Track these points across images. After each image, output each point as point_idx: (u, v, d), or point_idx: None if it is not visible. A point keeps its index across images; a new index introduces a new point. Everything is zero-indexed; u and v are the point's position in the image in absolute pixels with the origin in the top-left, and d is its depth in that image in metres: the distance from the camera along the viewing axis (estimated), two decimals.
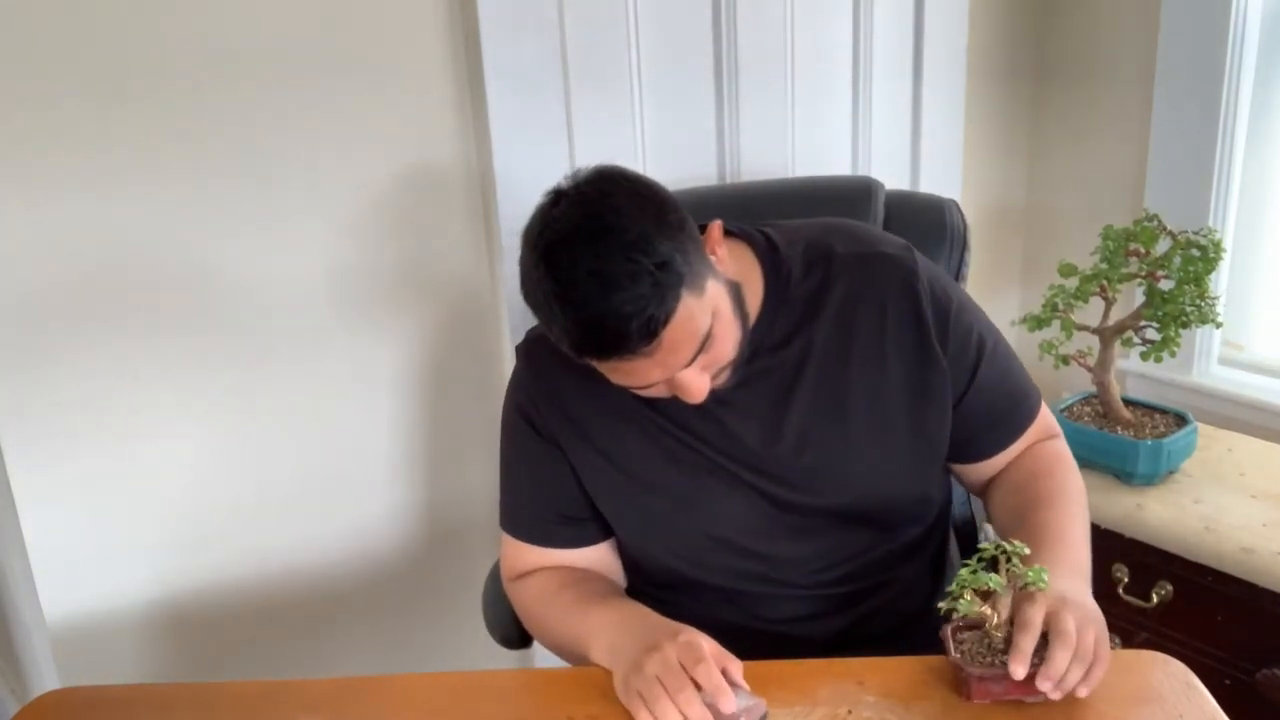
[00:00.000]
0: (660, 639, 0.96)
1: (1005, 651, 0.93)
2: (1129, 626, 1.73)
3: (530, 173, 1.53)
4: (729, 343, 1.04)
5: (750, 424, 1.11)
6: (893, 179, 1.59)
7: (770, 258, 1.15)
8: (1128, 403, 1.82)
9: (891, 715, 0.95)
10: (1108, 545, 1.71)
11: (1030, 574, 0.93)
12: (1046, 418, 1.23)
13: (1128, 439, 1.72)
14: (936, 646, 0.99)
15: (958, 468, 1.23)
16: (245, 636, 1.50)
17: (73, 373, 1.30)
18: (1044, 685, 0.90)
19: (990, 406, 1.17)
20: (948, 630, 0.97)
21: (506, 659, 1.44)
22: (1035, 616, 0.92)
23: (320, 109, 1.39)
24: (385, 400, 1.54)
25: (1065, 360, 1.72)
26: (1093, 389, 1.82)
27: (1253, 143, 1.90)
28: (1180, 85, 1.91)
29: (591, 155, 1.58)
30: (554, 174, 1.57)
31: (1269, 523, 1.61)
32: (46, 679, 1.40)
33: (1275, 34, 1.84)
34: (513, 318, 1.57)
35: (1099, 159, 2.09)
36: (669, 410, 1.12)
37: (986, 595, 0.95)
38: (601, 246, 0.95)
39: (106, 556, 1.37)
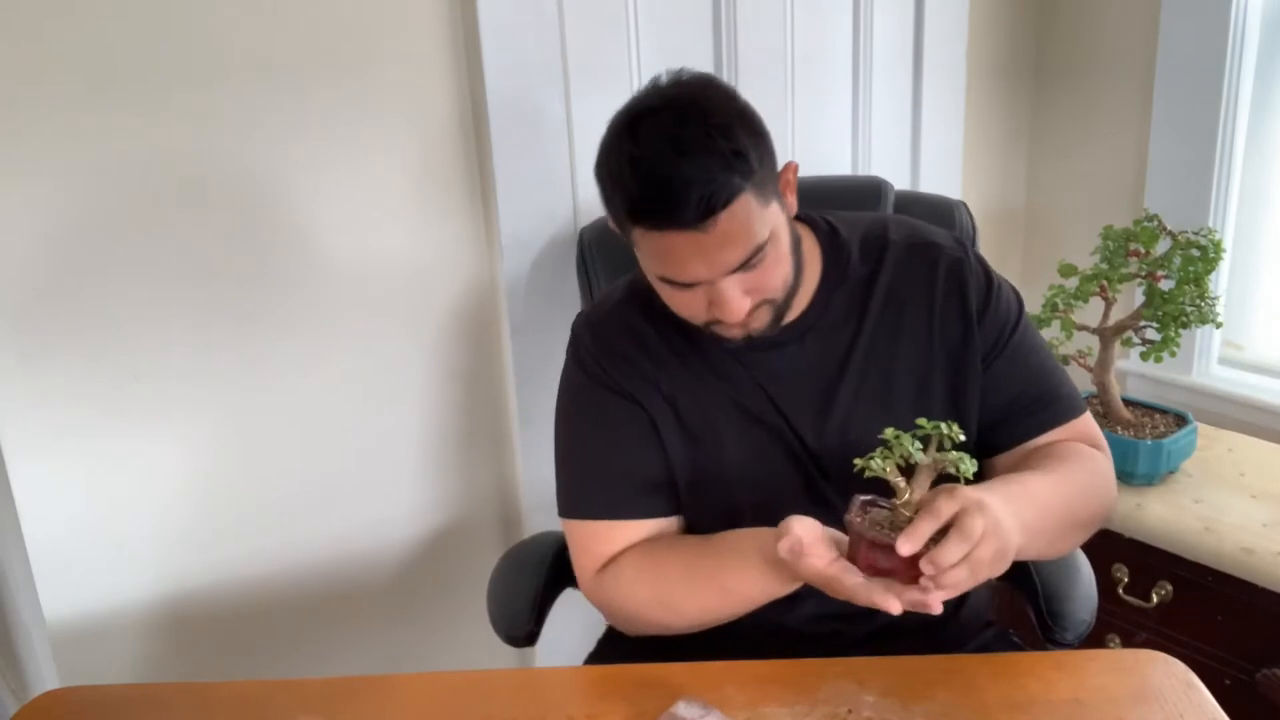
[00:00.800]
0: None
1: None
2: (1129, 626, 1.73)
3: (531, 173, 1.53)
4: (777, 276, 1.05)
5: (801, 401, 1.13)
6: (893, 179, 1.59)
7: (831, 241, 1.17)
8: (1128, 403, 1.82)
9: (892, 715, 0.95)
10: (1108, 545, 1.71)
11: (955, 456, 0.90)
12: (1091, 428, 1.19)
13: (1128, 439, 1.72)
14: (951, 650, 0.98)
15: (988, 465, 1.20)
16: (245, 636, 1.50)
17: (73, 372, 1.30)
18: (926, 568, 0.88)
19: (1020, 392, 1.16)
20: (859, 499, 0.95)
21: (506, 659, 1.44)
22: (945, 509, 0.89)
23: (319, 109, 1.39)
24: (385, 400, 1.54)
25: (1065, 360, 1.72)
26: (1093, 389, 1.83)
27: (1253, 143, 1.90)
28: (1180, 85, 1.91)
29: (591, 154, 1.58)
30: (554, 174, 1.57)
31: (1269, 523, 1.61)
32: (46, 679, 1.40)
33: (1275, 34, 1.84)
34: (513, 317, 1.57)
35: (1099, 159, 2.09)
36: (729, 377, 1.13)
37: (907, 471, 0.92)
38: (686, 120, 0.98)
39: (106, 556, 1.37)
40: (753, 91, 1.72)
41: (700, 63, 1.68)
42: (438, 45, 1.46)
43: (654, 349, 1.15)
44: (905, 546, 0.88)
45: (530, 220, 1.55)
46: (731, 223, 0.98)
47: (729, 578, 1.05)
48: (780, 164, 1.08)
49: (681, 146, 0.96)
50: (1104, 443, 1.20)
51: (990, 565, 0.90)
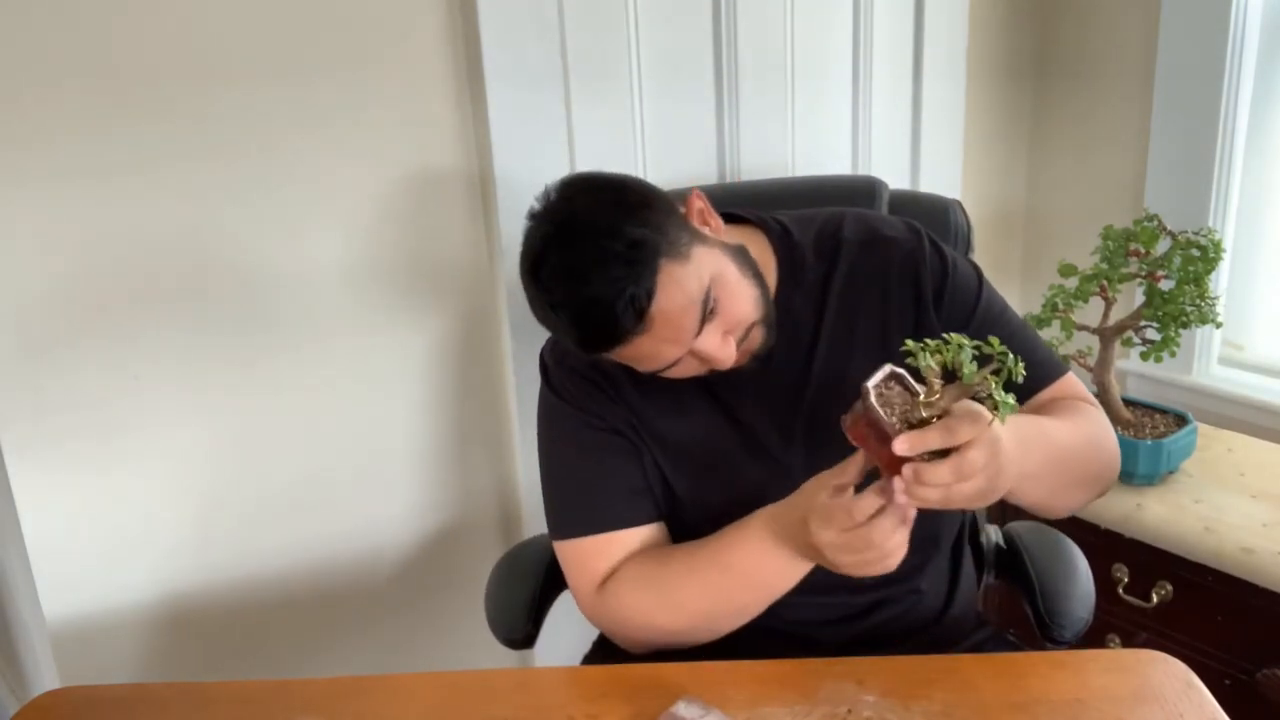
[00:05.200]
0: (811, 539, 0.95)
1: (910, 426, 0.87)
2: (1129, 626, 1.73)
3: (530, 173, 1.52)
4: (744, 304, 1.04)
5: (766, 416, 1.13)
6: (893, 179, 1.59)
7: (784, 243, 1.16)
8: (1128, 403, 1.82)
9: (891, 715, 0.95)
10: (1108, 545, 1.71)
11: (1001, 397, 0.85)
12: (1078, 387, 1.16)
13: (1128, 439, 1.72)
14: (944, 649, 0.98)
15: None
16: (245, 636, 1.50)
17: (73, 373, 1.30)
18: (907, 471, 0.86)
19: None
20: (888, 368, 0.90)
21: (506, 659, 1.44)
22: (964, 432, 0.86)
23: (320, 109, 1.39)
24: (385, 401, 1.54)
25: (1065, 360, 1.72)
26: (1093, 389, 1.83)
27: (1253, 143, 1.90)
28: (1180, 85, 1.91)
29: (591, 155, 1.59)
30: (554, 174, 1.56)
31: (1269, 523, 1.61)
32: (46, 679, 1.40)
33: (1275, 34, 1.84)
34: (513, 317, 1.57)
35: (1099, 159, 2.09)
36: (690, 401, 1.13)
37: (950, 377, 0.87)
38: (569, 246, 0.99)
39: (106, 556, 1.37)
40: (753, 91, 1.75)
41: (700, 62, 1.69)
42: (438, 46, 1.46)
43: (615, 379, 1.14)
44: (901, 446, 0.85)
45: None
46: (667, 303, 0.98)
47: (732, 553, 1.04)
48: (681, 202, 1.07)
49: (578, 274, 0.97)
50: (1095, 401, 1.17)
51: (966, 500, 0.89)
